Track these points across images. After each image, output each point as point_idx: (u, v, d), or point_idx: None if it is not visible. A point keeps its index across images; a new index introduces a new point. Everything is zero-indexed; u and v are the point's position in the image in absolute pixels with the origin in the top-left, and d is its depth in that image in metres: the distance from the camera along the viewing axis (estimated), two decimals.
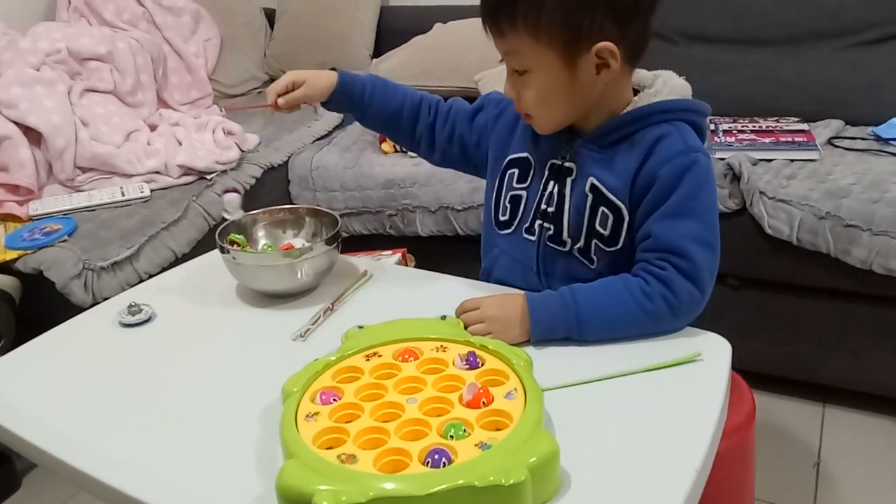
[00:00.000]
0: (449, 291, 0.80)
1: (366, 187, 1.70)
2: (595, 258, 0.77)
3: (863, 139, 1.52)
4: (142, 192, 1.53)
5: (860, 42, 1.66)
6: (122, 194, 1.52)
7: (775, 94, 1.69)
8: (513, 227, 0.83)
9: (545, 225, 0.80)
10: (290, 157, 1.80)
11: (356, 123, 1.01)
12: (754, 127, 1.58)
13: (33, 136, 1.55)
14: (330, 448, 0.54)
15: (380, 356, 0.64)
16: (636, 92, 0.77)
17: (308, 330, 0.77)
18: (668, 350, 0.69)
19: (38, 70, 1.64)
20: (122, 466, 0.58)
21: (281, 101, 0.85)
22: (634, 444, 0.57)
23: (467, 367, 0.62)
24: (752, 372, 1.06)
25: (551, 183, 0.79)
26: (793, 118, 1.63)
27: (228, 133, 1.77)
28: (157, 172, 1.62)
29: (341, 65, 2.43)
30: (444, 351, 0.64)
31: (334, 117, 1.96)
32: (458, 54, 1.93)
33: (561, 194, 0.78)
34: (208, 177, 1.63)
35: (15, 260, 1.30)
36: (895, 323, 1.33)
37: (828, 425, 1.43)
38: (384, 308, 0.75)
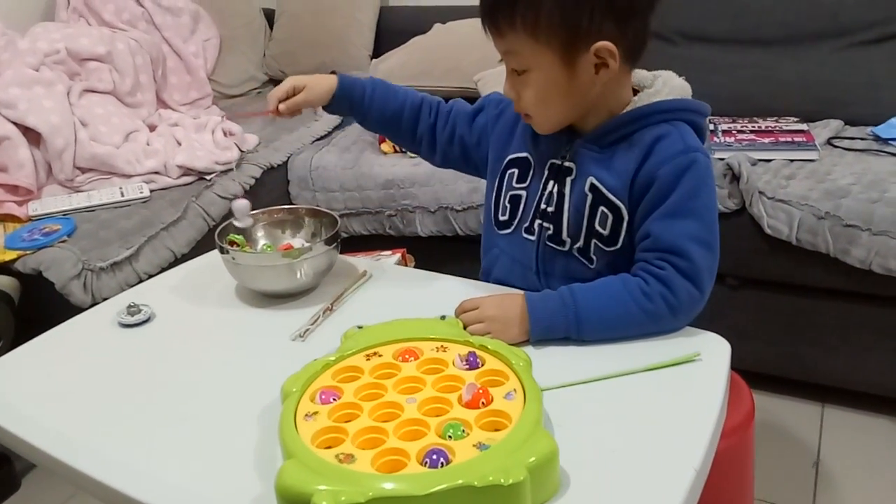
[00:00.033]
0: (448, 291, 0.80)
1: (365, 188, 1.70)
2: (594, 258, 0.77)
3: (862, 139, 1.53)
4: (141, 192, 1.53)
5: (859, 42, 1.66)
6: (122, 195, 1.52)
7: (774, 94, 1.69)
8: (512, 227, 0.83)
9: (545, 225, 0.80)
10: (289, 157, 1.80)
11: (355, 124, 1.01)
12: (753, 127, 1.59)
13: (32, 136, 1.55)
14: (329, 447, 0.54)
15: (380, 356, 0.65)
16: (636, 92, 0.77)
17: (307, 330, 0.77)
18: (668, 350, 0.69)
19: (37, 70, 1.64)
20: (122, 467, 0.58)
21: (282, 106, 0.86)
22: (633, 444, 0.57)
23: (467, 367, 0.62)
24: (751, 372, 1.06)
25: (551, 183, 0.79)
26: (792, 118, 1.63)
27: (228, 133, 1.77)
28: (157, 173, 1.62)
29: (340, 65, 2.44)
30: (445, 351, 0.65)
31: (333, 118, 1.96)
32: (458, 54, 1.93)
33: (560, 194, 0.78)
34: (208, 177, 1.63)
35: (14, 260, 1.30)
36: (894, 323, 1.33)
37: (827, 425, 1.43)
38: (383, 308, 0.75)
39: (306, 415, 0.57)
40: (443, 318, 0.72)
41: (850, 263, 1.27)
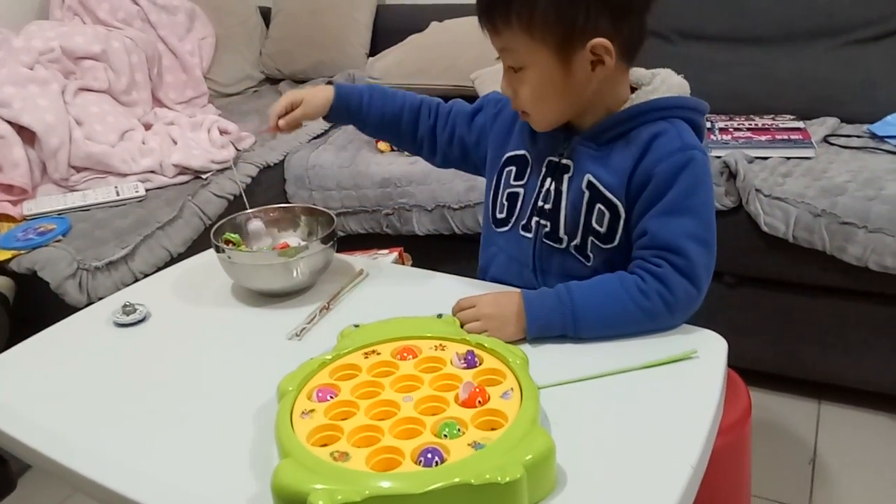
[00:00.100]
0: (445, 290, 0.80)
1: (362, 186, 1.69)
2: (591, 255, 0.77)
3: (858, 137, 1.53)
4: (137, 191, 1.53)
5: (855, 40, 1.66)
6: (117, 194, 1.52)
7: (771, 92, 1.69)
8: (510, 225, 0.83)
9: (542, 222, 0.80)
10: (286, 156, 1.80)
11: None
12: (750, 125, 1.59)
13: (27, 135, 1.54)
14: (324, 445, 0.53)
15: (378, 354, 0.64)
16: (634, 90, 0.77)
17: (304, 329, 0.77)
18: (664, 347, 0.69)
19: (31, 69, 1.63)
20: (117, 466, 0.58)
21: (282, 122, 0.87)
22: (630, 441, 0.57)
23: (465, 365, 0.62)
24: (748, 369, 1.07)
25: (548, 180, 0.79)
26: (788, 116, 1.63)
27: (224, 132, 1.77)
28: (152, 172, 1.62)
29: (337, 64, 2.43)
30: (443, 350, 0.64)
31: None
32: (455, 53, 1.92)
33: (558, 191, 0.78)
34: (204, 176, 1.63)
35: (9, 260, 1.29)
36: (890, 320, 1.33)
37: (823, 422, 1.43)
38: (380, 307, 0.75)
39: (303, 412, 0.57)
40: (440, 316, 0.72)
41: (846, 261, 1.28)
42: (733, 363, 0.72)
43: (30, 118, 1.53)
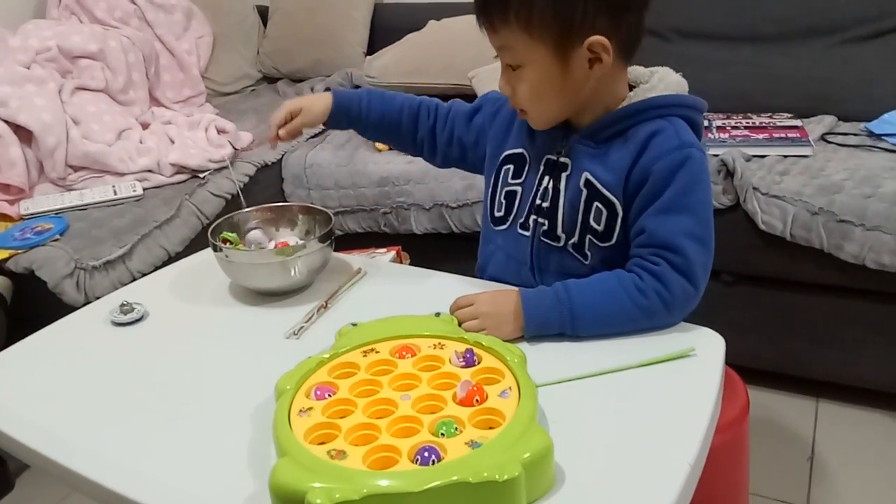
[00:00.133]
0: (443, 288, 0.80)
1: (360, 185, 1.69)
2: (589, 253, 0.77)
3: (855, 135, 1.53)
4: (134, 190, 1.52)
5: (852, 38, 1.66)
6: (115, 193, 1.51)
7: (768, 90, 1.69)
8: (508, 223, 0.83)
9: (539, 220, 0.80)
10: (283, 155, 1.79)
11: None
12: (747, 123, 1.59)
13: (24, 134, 1.54)
14: (322, 443, 0.53)
15: (377, 352, 0.64)
16: (633, 88, 0.77)
17: (302, 328, 0.76)
18: (662, 345, 0.69)
19: (28, 68, 1.63)
20: (115, 466, 0.57)
21: (282, 132, 0.88)
22: (628, 439, 0.57)
23: (464, 364, 0.62)
24: (746, 367, 1.07)
25: (546, 178, 0.79)
26: (786, 114, 1.63)
27: (221, 131, 1.76)
28: (150, 171, 1.61)
29: (335, 62, 2.42)
30: (442, 348, 0.64)
31: None
32: (452, 51, 1.92)
33: (556, 189, 0.78)
34: (201, 175, 1.63)
35: (6, 259, 1.29)
36: (888, 318, 1.34)
37: (821, 419, 1.44)
38: (378, 305, 0.75)
39: (300, 410, 0.57)
40: (437, 314, 0.72)
41: (843, 259, 1.28)
42: (731, 361, 0.72)
43: (27, 117, 1.53)
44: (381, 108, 0.91)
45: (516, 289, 0.74)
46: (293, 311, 0.80)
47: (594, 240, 0.77)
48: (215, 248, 0.82)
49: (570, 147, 0.78)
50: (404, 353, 0.64)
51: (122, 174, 1.60)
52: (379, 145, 1.75)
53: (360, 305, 0.82)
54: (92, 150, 1.58)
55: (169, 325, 0.80)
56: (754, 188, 1.34)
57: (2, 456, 1.27)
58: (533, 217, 0.80)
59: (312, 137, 1.90)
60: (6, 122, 1.52)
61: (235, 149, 1.73)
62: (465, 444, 0.52)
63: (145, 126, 1.78)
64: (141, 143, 1.68)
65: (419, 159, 0.97)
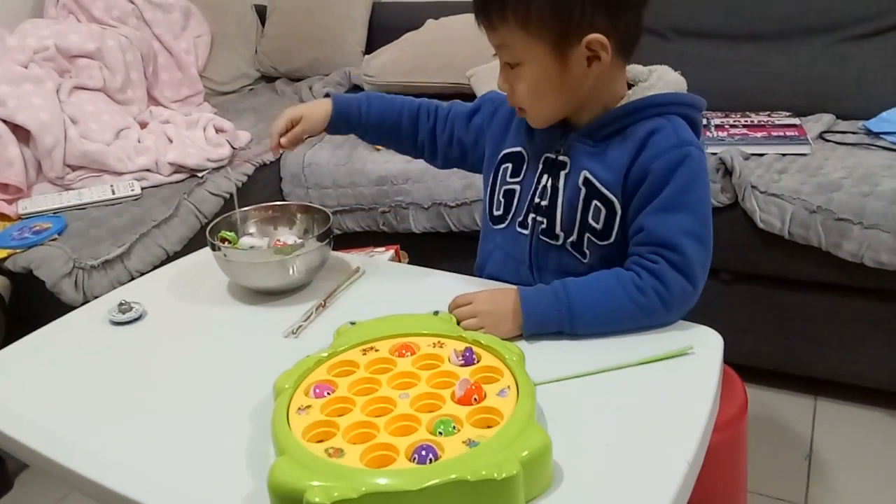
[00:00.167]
0: (441, 287, 0.80)
1: (358, 184, 1.69)
2: (587, 252, 0.77)
3: (853, 133, 1.53)
4: (132, 190, 1.52)
5: (850, 37, 1.66)
6: (113, 192, 1.51)
7: (767, 89, 1.69)
8: (507, 222, 0.83)
9: (538, 219, 0.80)
10: (282, 154, 1.79)
11: None
12: (746, 122, 1.59)
13: (22, 134, 1.54)
14: (320, 441, 0.53)
15: (376, 351, 0.64)
16: (631, 87, 0.77)
17: (300, 327, 0.76)
18: (660, 343, 0.69)
19: (26, 67, 1.62)
20: (114, 465, 0.57)
21: (283, 140, 0.88)
22: (627, 437, 0.57)
23: (463, 363, 0.62)
24: (744, 366, 1.07)
25: (545, 177, 0.79)
26: (784, 113, 1.63)
27: (220, 130, 1.76)
28: (148, 170, 1.61)
29: (333, 62, 2.42)
30: (442, 347, 0.64)
31: None
32: (450, 50, 1.92)
33: (554, 188, 0.78)
34: (199, 174, 1.62)
35: (4, 259, 1.29)
36: (886, 316, 1.34)
37: (819, 418, 1.44)
38: (377, 304, 0.75)
39: (299, 408, 0.57)
40: (436, 313, 0.72)
41: (841, 257, 1.28)
42: (729, 359, 0.72)
43: (24, 117, 1.52)
44: (380, 112, 0.91)
45: (515, 287, 0.74)
46: (292, 310, 0.80)
47: (593, 238, 0.77)
48: (213, 248, 0.82)
49: (569, 145, 0.78)
50: (404, 351, 0.64)
51: (121, 173, 1.59)
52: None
53: (358, 304, 0.82)
54: (90, 150, 1.58)
55: (167, 325, 0.80)
56: (753, 186, 1.34)
57: (0, 455, 1.27)
58: (531, 215, 0.80)
59: (310, 136, 1.89)
60: (4, 121, 1.51)
61: (234, 148, 1.73)
62: (463, 442, 0.52)
63: (143, 125, 1.78)
64: (139, 142, 1.67)
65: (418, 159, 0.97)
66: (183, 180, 1.61)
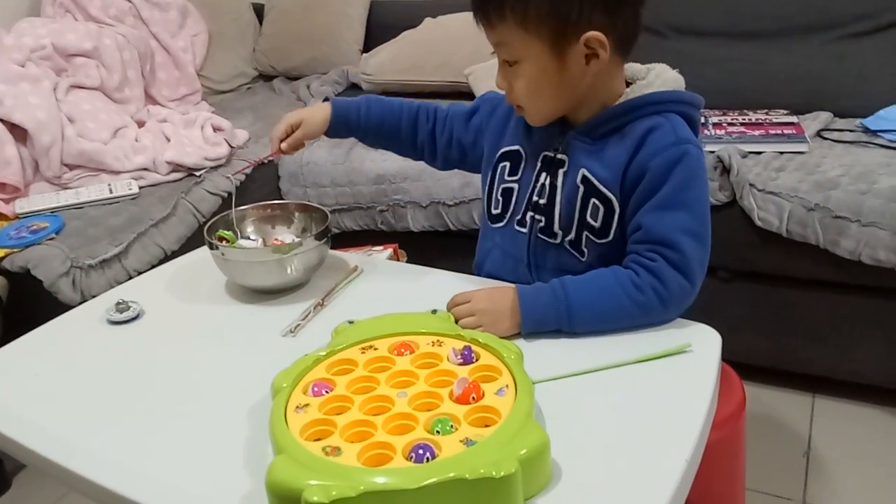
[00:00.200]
0: (440, 286, 0.80)
1: (356, 183, 1.69)
2: (586, 250, 0.77)
3: (851, 131, 1.53)
4: (130, 189, 1.52)
5: (848, 35, 1.67)
6: (110, 191, 1.51)
7: (764, 87, 1.69)
8: (505, 220, 0.83)
9: (536, 217, 0.80)
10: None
11: None
12: (744, 120, 1.59)
13: (19, 133, 1.53)
14: (318, 440, 0.53)
15: (375, 349, 0.64)
16: (629, 85, 0.77)
17: (298, 326, 0.76)
18: (659, 341, 0.69)
19: (23, 66, 1.62)
20: (112, 465, 0.57)
21: (284, 145, 0.89)
22: (625, 435, 0.57)
23: (461, 361, 0.62)
24: (742, 363, 1.07)
25: (543, 175, 0.79)
26: (782, 111, 1.63)
27: (217, 129, 1.76)
28: (146, 169, 1.61)
29: (331, 60, 2.42)
30: (440, 345, 0.64)
31: None
32: (448, 48, 1.92)
33: (552, 186, 0.78)
34: (197, 173, 1.62)
35: (2, 258, 1.29)
36: (884, 313, 1.34)
37: (817, 415, 1.44)
38: (375, 303, 0.75)
39: (297, 407, 0.57)
40: (434, 312, 0.72)
41: (839, 255, 1.28)
42: (727, 357, 0.72)
43: (21, 116, 1.52)
44: (379, 115, 0.91)
45: (513, 286, 0.74)
46: (290, 309, 0.80)
47: (591, 236, 0.77)
48: (211, 246, 0.82)
49: (567, 143, 0.78)
50: (403, 349, 0.64)
51: (118, 172, 1.59)
52: None
53: (356, 303, 0.81)
54: (87, 149, 1.57)
55: (165, 324, 0.80)
56: (750, 185, 1.34)
57: None
58: (530, 214, 0.80)
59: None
60: (1, 120, 1.51)
61: (232, 147, 1.73)
62: (460, 441, 0.52)
63: (141, 124, 1.78)
64: (137, 141, 1.67)
65: None
66: (181, 179, 1.61)
